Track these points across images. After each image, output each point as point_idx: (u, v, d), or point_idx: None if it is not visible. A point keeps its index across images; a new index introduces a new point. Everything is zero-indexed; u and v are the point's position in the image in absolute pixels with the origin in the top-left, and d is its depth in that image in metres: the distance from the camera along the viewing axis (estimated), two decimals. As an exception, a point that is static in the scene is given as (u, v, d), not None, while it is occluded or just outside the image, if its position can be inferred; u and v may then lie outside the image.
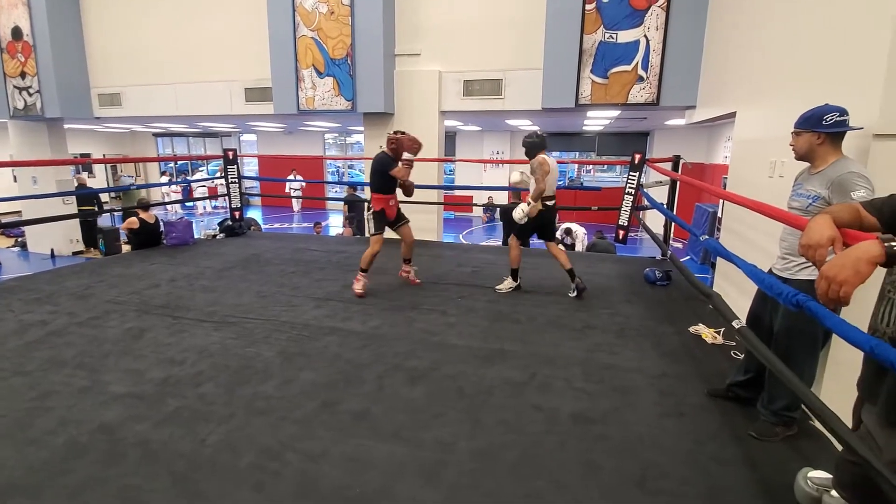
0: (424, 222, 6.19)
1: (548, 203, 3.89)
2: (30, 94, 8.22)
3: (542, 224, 3.95)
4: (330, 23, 6.47)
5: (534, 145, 3.95)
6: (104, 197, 13.85)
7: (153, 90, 7.99)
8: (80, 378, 2.52)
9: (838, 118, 1.89)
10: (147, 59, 7.90)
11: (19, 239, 10.60)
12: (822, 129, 1.90)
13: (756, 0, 3.84)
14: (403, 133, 3.92)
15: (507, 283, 4.10)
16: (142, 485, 1.75)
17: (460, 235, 12.73)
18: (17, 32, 8.02)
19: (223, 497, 1.70)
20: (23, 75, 8.18)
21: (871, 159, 2.09)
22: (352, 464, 1.88)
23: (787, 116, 2.07)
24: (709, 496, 1.74)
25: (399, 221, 4.13)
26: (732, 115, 4.26)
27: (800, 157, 2.04)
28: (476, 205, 12.23)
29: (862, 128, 1.96)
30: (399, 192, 4.06)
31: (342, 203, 8.91)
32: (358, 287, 3.92)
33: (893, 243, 1.04)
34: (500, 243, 7.58)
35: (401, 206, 4.16)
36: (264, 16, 6.73)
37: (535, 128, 13.87)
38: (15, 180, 11.98)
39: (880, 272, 1.22)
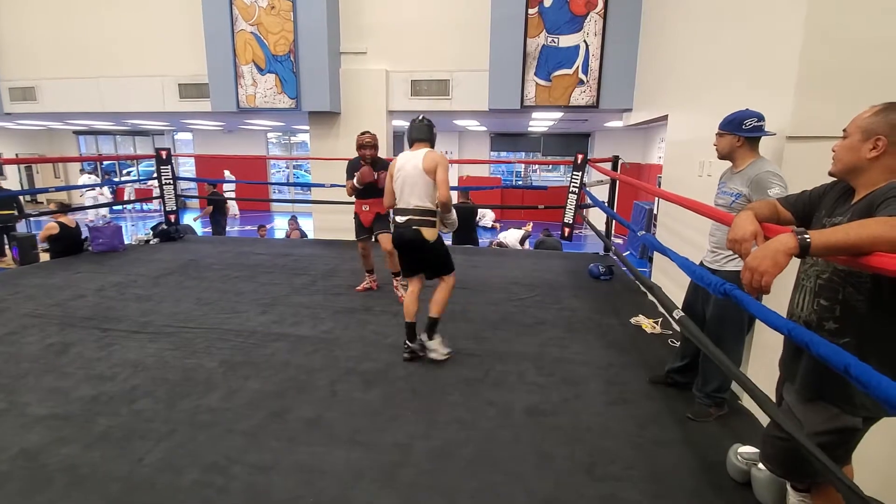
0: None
1: (398, 220, 2.73)
2: (-76, 87, 7.33)
3: (402, 253, 2.79)
4: (270, 17, 6.24)
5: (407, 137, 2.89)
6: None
7: (74, 84, 7.35)
8: (-6, 401, 2.28)
9: (756, 123, 2.07)
10: (66, 49, 7.25)
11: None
12: (741, 133, 2.08)
13: (682, 11, 4.11)
14: (365, 133, 3.73)
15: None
16: (70, 513, 1.61)
17: (411, 236, 12.66)
18: None
19: (165, 518, 1.60)
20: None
21: (785, 159, 2.30)
22: (305, 473, 1.83)
23: (714, 119, 2.23)
24: (652, 477, 1.85)
25: (377, 230, 3.84)
26: (665, 118, 4.54)
27: (722, 157, 2.22)
28: (426, 205, 12.25)
29: (775, 133, 2.16)
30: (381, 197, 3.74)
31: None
32: (360, 286, 4.09)
33: (806, 236, 1.15)
34: (449, 243, 7.64)
35: (380, 214, 3.82)
36: (199, 7, 6.38)
37: (482, 128, 13.97)
38: None
39: (797, 263, 1.34)
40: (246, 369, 2.64)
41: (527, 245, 8.44)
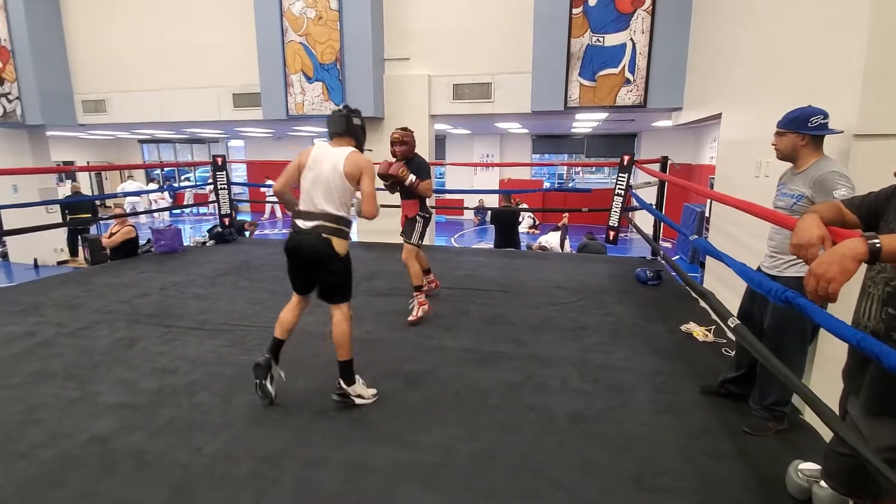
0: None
1: (302, 224, 2.34)
2: (9, 101, 8.06)
3: (299, 265, 2.45)
4: (318, 28, 6.46)
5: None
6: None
7: (139, 96, 7.91)
8: (70, 389, 2.48)
9: (822, 121, 1.95)
10: (132, 64, 7.82)
11: (0, 249, 10.38)
12: (806, 131, 1.96)
13: (738, 6, 3.92)
14: (395, 130, 3.55)
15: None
16: (137, 497, 1.73)
17: (452, 238, 12.74)
18: (-6, 38, 7.89)
19: (222, 506, 1.69)
20: (0, 81, 8.03)
21: (852, 158, 2.15)
22: (351, 470, 1.88)
23: (772, 118, 2.12)
24: (703, 490, 1.77)
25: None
26: (718, 116, 4.34)
27: (783, 158, 2.09)
28: (467, 208, 12.24)
29: (843, 131, 2.03)
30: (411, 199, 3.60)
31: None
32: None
33: (876, 241, 1.07)
34: (491, 246, 7.63)
35: (408, 217, 3.64)
36: (251, 21, 6.70)
37: (524, 130, 13.80)
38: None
39: (863, 268, 1.26)
40: (294, 367, 2.73)
41: (567, 245, 8.28)
